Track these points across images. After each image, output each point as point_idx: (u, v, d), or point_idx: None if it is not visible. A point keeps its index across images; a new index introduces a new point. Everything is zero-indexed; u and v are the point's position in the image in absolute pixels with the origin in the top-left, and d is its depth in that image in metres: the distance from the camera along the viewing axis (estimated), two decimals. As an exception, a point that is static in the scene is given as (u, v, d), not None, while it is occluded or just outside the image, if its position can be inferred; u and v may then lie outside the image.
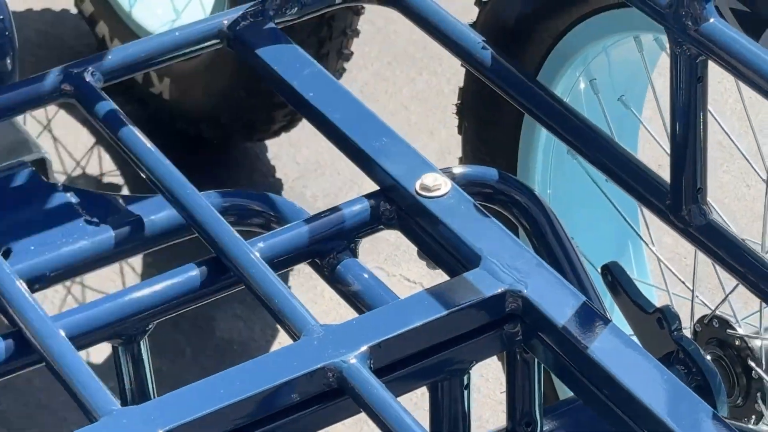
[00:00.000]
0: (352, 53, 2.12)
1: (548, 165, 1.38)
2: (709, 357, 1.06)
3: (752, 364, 1.09)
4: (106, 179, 2.42)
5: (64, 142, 2.50)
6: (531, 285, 0.84)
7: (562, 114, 1.04)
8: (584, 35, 1.11)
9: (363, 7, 1.89)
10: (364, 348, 0.78)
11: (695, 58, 0.82)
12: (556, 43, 1.15)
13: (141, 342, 1.02)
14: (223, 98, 2.22)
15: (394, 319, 0.84)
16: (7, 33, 1.32)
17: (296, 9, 1.22)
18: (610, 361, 0.76)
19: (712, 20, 0.78)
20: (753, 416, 1.12)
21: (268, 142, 2.43)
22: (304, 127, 2.27)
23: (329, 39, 2.02)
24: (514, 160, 1.38)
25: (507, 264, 0.88)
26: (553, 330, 0.81)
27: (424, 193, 0.93)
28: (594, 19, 1.07)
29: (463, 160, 1.50)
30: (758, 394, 1.07)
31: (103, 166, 2.44)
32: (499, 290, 0.83)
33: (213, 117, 2.25)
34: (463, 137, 1.48)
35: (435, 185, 0.96)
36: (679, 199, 0.91)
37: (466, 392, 0.90)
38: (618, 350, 0.79)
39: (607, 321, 0.82)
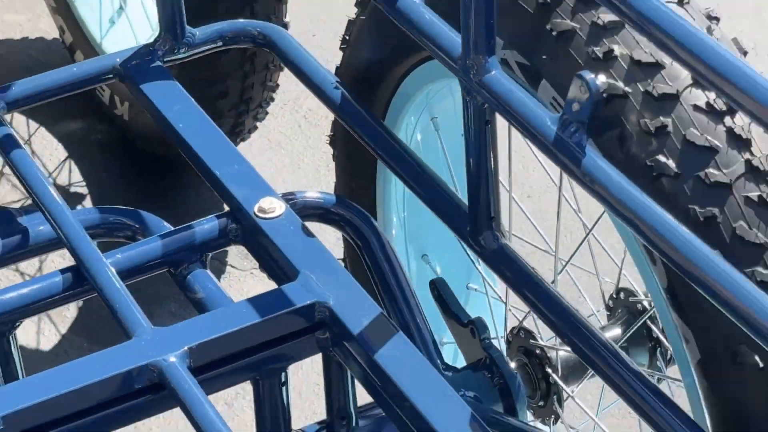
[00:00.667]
0: (277, 85, 2.18)
1: (402, 190, 1.48)
2: (514, 364, 1.19)
3: (549, 371, 1.20)
4: (73, 189, 2.55)
5: (40, 155, 2.61)
6: (337, 298, 0.93)
7: (389, 146, 1.15)
8: (421, 78, 1.21)
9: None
10: (184, 348, 0.87)
11: (482, 104, 0.91)
12: (399, 85, 1.26)
13: (10, 337, 1.12)
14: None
15: (216, 324, 0.93)
16: None
17: (184, 50, 1.29)
18: (393, 369, 0.86)
19: (494, 72, 0.84)
20: (552, 416, 1.25)
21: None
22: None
23: (253, 72, 2.08)
24: (373, 185, 1.49)
25: (320, 278, 0.97)
26: (352, 338, 0.91)
27: (260, 215, 1.03)
28: (428, 64, 1.15)
29: (336, 185, 1.59)
30: (555, 398, 1.20)
31: (72, 179, 2.56)
32: (308, 302, 0.93)
33: (162, 137, 2.25)
34: (336, 165, 1.58)
35: (270, 208, 1.05)
36: (476, 225, 1.01)
37: (284, 389, 1.01)
38: (402, 359, 0.88)
39: (397, 332, 0.93)
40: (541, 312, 0.94)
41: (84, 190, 2.56)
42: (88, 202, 2.50)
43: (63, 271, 1.10)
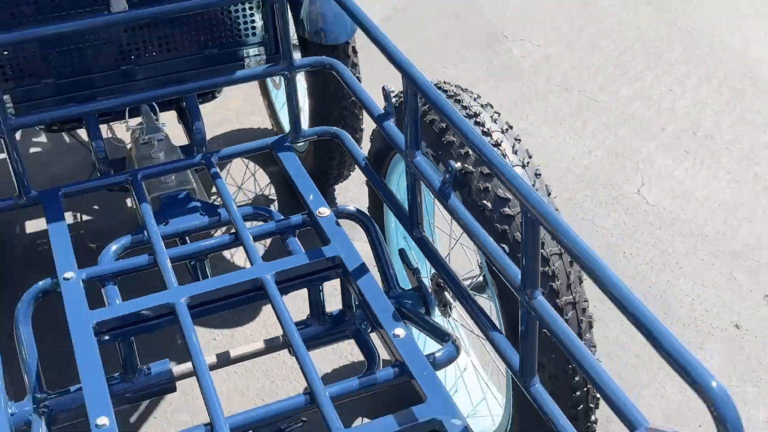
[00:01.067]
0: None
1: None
2: (431, 289, 1.71)
3: (445, 293, 1.71)
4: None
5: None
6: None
7: (384, 187, 1.81)
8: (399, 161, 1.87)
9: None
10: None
11: None
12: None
13: None
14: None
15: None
16: None
17: (301, 139, 1.93)
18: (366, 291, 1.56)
19: None
20: (447, 314, 1.75)
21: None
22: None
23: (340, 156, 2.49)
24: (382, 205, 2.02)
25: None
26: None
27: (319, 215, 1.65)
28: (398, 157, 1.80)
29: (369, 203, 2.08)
30: (447, 306, 1.72)
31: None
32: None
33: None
34: (369, 194, 2.09)
35: (323, 211, 1.68)
36: (411, 224, 1.62)
37: None
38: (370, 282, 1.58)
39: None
40: (441, 268, 1.50)
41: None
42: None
43: None
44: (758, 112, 2.80)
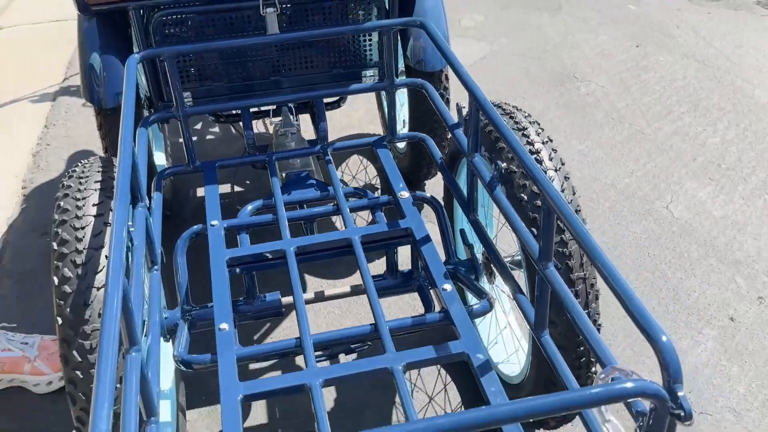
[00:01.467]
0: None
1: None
2: (481, 261, 1.86)
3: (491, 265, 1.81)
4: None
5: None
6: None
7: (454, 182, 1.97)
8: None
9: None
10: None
11: None
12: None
13: None
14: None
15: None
16: None
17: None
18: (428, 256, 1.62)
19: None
20: (492, 281, 1.91)
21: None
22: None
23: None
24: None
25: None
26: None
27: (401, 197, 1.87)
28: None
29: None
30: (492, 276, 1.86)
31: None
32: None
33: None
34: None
35: (402, 194, 1.89)
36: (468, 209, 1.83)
37: None
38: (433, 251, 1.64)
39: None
40: (487, 245, 1.69)
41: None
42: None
43: None
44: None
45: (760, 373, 1.98)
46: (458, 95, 2.91)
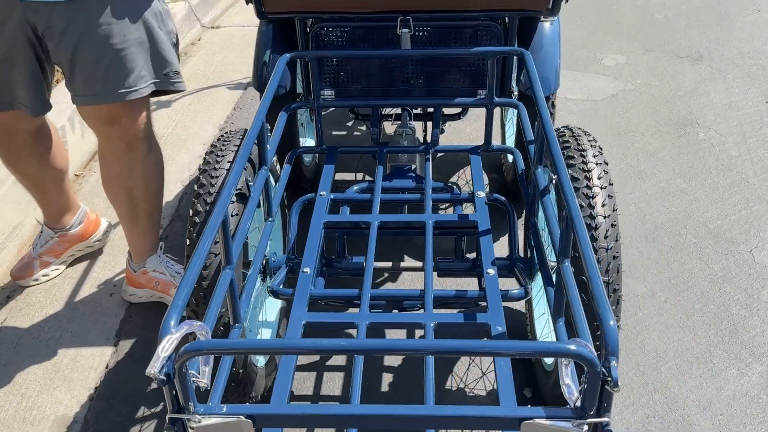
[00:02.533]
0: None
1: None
2: None
3: None
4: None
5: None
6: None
7: None
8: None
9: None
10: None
11: None
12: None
13: None
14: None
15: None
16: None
17: None
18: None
19: None
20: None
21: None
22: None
23: None
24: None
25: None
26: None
27: (477, 196, 1.88)
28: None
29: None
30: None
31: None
32: None
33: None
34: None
35: (478, 194, 1.89)
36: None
37: None
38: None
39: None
40: (537, 245, 1.70)
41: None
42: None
43: None
44: None
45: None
46: (577, 120, 2.88)
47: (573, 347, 0.93)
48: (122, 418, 1.87)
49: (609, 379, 0.92)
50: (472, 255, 1.92)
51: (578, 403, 0.99)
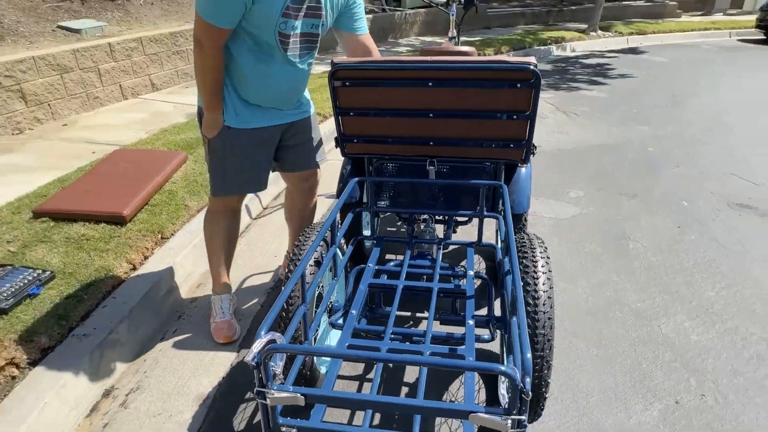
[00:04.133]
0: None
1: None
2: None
3: None
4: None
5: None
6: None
7: None
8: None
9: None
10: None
11: None
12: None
13: None
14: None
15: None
16: None
17: None
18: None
19: None
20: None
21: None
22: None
23: None
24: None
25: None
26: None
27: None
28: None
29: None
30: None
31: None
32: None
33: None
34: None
35: (469, 272, 1.77)
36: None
37: None
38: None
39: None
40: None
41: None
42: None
43: None
44: None
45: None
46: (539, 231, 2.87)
47: (503, 368, 0.90)
48: (237, 398, 1.90)
49: (524, 390, 0.91)
50: (463, 312, 1.88)
51: (506, 406, 0.96)
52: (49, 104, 3.52)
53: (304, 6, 1.62)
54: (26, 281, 2.04)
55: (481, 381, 1.92)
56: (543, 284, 1.53)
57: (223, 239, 2.06)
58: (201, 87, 1.64)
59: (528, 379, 0.91)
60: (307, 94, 2.00)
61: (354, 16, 1.81)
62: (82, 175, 2.80)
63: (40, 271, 2.12)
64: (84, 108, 3.83)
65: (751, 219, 3.41)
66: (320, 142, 2.10)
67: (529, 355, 0.94)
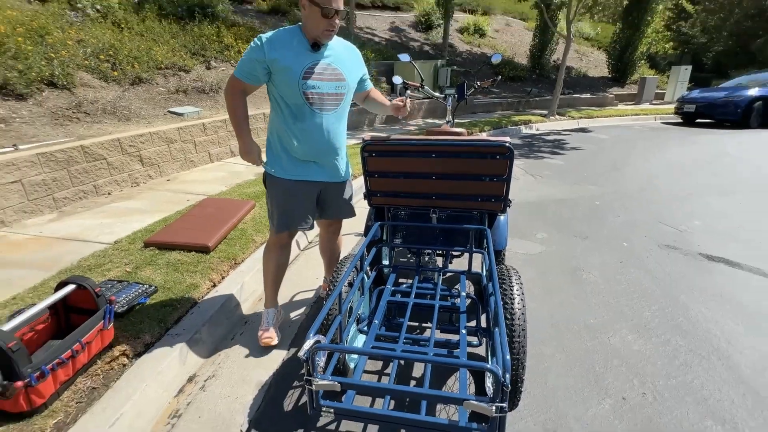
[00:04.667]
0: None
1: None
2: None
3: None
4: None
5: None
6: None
7: None
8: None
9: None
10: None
11: None
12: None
13: None
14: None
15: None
16: None
17: None
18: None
19: None
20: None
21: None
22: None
23: None
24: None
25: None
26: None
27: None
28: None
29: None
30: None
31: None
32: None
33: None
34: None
35: (462, 293, 1.60)
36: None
37: None
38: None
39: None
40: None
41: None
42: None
43: None
44: None
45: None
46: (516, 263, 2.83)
47: (489, 366, 0.94)
48: (287, 385, 1.89)
49: (505, 384, 0.94)
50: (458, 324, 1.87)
51: (491, 395, 0.98)
52: (158, 165, 3.84)
53: (326, 72, 1.59)
54: (137, 293, 2.11)
55: (471, 377, 1.89)
56: (518, 303, 1.56)
57: (274, 267, 2.03)
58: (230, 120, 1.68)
59: (508, 375, 0.94)
60: (345, 161, 1.89)
61: (363, 81, 1.84)
62: (179, 216, 2.95)
63: (147, 286, 2.19)
64: (183, 168, 4.11)
65: (677, 257, 3.34)
66: (350, 199, 1.96)
67: (508, 357, 0.98)
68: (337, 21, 1.53)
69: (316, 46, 1.54)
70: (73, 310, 1.72)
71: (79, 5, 4.68)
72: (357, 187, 4.10)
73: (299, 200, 1.80)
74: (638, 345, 2.25)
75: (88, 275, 2.19)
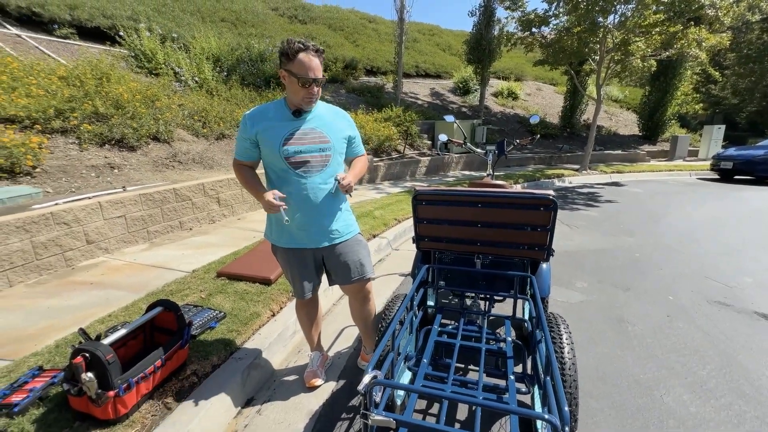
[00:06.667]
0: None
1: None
2: None
3: None
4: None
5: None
6: None
7: None
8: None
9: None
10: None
11: None
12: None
13: None
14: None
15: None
16: None
17: None
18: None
19: None
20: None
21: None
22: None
23: None
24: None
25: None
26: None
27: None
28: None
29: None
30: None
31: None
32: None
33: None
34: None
35: (507, 338, 1.56)
36: None
37: None
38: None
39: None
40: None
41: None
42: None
43: None
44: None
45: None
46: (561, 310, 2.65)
47: (547, 416, 0.91)
48: (336, 415, 1.85)
49: None
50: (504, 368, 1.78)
51: None
52: (232, 206, 4.03)
53: (308, 136, 1.51)
54: (209, 317, 2.16)
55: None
56: (568, 353, 1.53)
57: (306, 320, 1.96)
58: None
59: (567, 429, 0.89)
60: (346, 221, 1.68)
61: (352, 145, 1.70)
62: (247, 251, 3.00)
63: (218, 312, 2.24)
64: (251, 209, 4.25)
65: (729, 314, 3.00)
66: (363, 259, 1.75)
67: (566, 409, 0.93)
68: (315, 89, 1.49)
69: (298, 113, 1.50)
70: (157, 329, 1.79)
71: (183, 78, 5.34)
72: (374, 248, 3.63)
73: (297, 268, 1.71)
74: (695, 406, 2.06)
75: (170, 299, 2.26)
